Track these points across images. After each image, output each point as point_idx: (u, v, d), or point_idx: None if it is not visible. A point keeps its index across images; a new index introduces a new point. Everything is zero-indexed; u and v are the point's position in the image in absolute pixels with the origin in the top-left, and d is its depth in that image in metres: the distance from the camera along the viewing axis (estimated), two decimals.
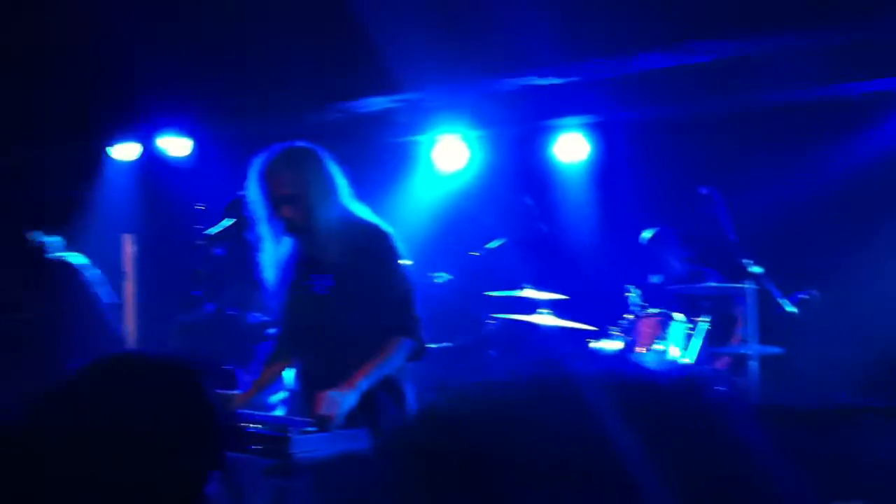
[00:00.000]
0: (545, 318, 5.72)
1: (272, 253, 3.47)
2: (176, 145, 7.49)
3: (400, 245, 3.44)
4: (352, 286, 3.36)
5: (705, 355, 5.43)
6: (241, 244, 3.57)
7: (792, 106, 6.43)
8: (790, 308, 5.55)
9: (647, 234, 6.23)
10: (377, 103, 6.59)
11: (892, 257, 6.05)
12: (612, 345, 5.64)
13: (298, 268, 3.49)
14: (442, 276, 6.22)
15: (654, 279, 6.17)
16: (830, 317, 5.69)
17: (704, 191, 5.34)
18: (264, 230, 3.44)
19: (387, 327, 3.36)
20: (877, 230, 6.14)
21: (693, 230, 6.08)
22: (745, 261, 5.22)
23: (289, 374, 3.65)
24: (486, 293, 5.97)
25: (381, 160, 7.51)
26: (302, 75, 6.26)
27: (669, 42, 5.59)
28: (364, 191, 3.74)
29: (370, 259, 3.36)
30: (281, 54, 6.15)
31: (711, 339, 5.56)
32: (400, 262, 3.42)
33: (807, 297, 5.66)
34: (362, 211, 3.49)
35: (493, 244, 6.31)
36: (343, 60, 6.15)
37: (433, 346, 6.68)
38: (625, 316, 5.62)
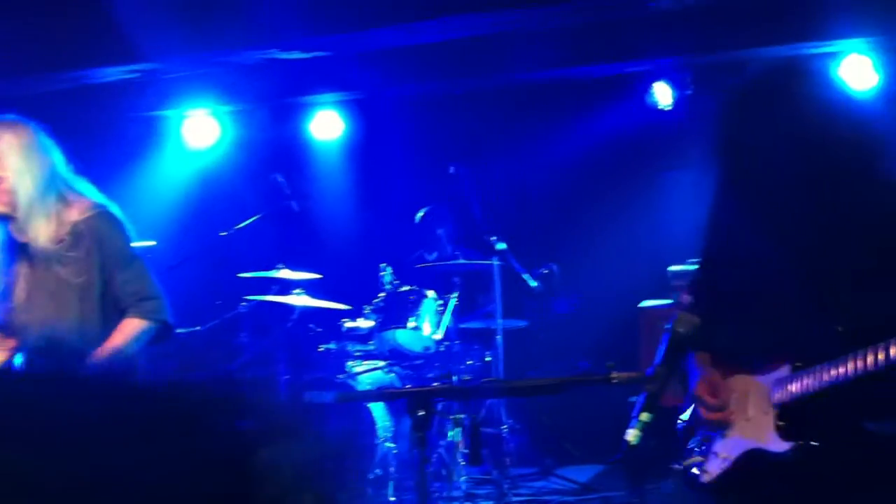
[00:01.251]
0: (299, 299, 5.65)
1: None
2: None
3: (127, 224, 3.24)
4: (73, 270, 3.13)
5: (454, 331, 5.58)
6: None
7: (539, 85, 6.70)
8: (532, 283, 5.81)
9: (420, 213, 6.32)
10: (111, 73, 6.20)
11: (622, 232, 6.49)
12: (365, 323, 5.66)
13: (15, 253, 3.21)
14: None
15: (430, 257, 6.28)
16: (569, 289, 6.02)
17: (452, 168, 5.46)
18: None
19: (119, 311, 3.16)
20: (609, 206, 6.54)
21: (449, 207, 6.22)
22: (491, 238, 5.40)
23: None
24: (238, 274, 5.81)
25: (125, 135, 7.11)
26: (25, 40, 5.78)
27: (419, 18, 5.64)
28: (103, 167, 3.49)
29: (93, 241, 3.14)
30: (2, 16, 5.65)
31: (461, 314, 5.72)
32: (128, 242, 3.22)
33: (546, 271, 5.94)
34: (86, 190, 3.25)
35: (244, 224, 6.14)
36: (70, 26, 5.74)
37: (182, 330, 6.44)
38: (379, 294, 5.65)
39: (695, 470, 2.44)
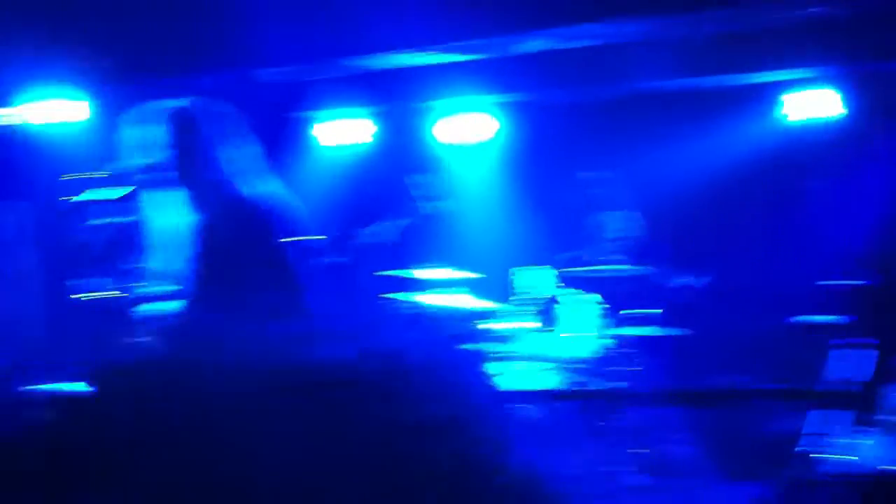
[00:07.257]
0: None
1: None
2: None
3: None
4: None
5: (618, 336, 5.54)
6: None
7: (675, 94, 6.67)
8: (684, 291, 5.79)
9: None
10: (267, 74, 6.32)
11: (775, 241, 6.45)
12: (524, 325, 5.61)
13: None
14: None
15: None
16: (722, 299, 5.99)
17: (586, 174, 5.46)
18: None
19: None
20: (755, 215, 6.53)
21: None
22: None
23: None
24: None
25: None
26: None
27: (549, 26, 5.63)
28: None
29: None
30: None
31: (616, 319, 5.69)
32: None
33: (692, 280, 5.93)
34: None
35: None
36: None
37: None
38: (545, 296, 5.60)
39: None
